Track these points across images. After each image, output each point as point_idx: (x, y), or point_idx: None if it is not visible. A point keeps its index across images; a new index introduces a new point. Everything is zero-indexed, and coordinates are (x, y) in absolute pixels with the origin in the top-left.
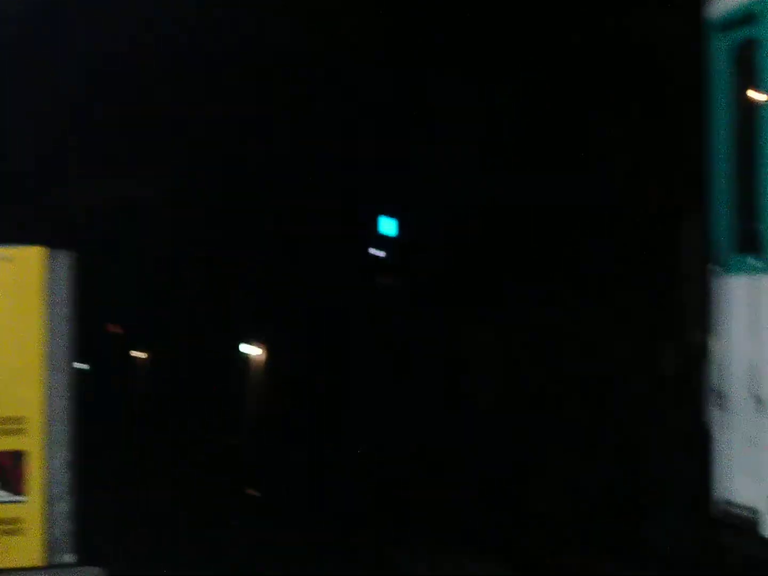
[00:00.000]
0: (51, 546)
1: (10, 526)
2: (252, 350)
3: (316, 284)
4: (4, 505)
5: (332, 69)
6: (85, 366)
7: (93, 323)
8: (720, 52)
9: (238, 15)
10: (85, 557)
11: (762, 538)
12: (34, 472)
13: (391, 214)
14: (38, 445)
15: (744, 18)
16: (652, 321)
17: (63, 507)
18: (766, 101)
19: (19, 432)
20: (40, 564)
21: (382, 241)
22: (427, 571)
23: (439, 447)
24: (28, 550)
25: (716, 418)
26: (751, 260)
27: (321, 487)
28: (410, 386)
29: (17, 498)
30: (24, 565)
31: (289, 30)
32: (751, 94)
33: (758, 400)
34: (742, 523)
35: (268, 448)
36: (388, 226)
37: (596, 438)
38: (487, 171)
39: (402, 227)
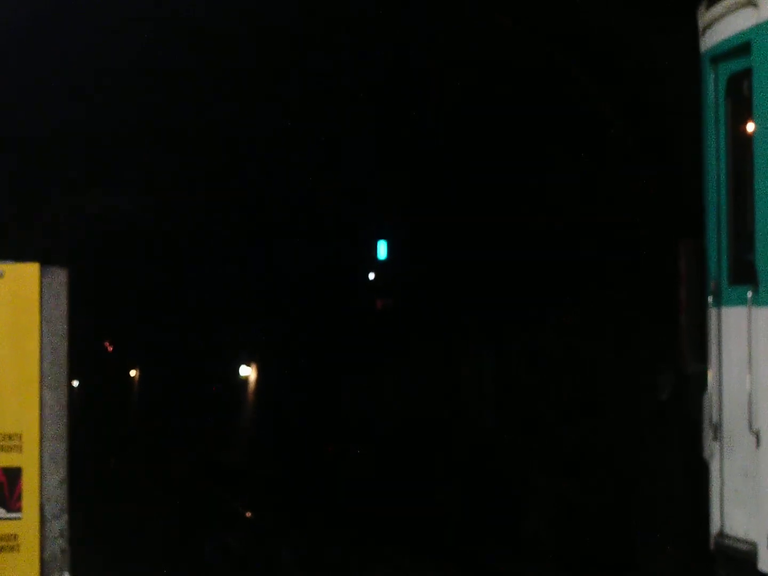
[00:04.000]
0: (47, 563)
1: (6, 543)
2: (247, 371)
3: (312, 304)
4: None
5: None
6: (79, 383)
7: (88, 340)
8: (714, 82)
9: (231, 44)
10: (81, 574)
11: (759, 573)
12: (30, 489)
13: (381, 236)
14: (34, 462)
15: (737, 48)
16: (650, 350)
17: (58, 524)
18: (758, 132)
19: (15, 449)
20: None
21: (373, 264)
22: None
23: (432, 465)
24: (24, 567)
25: (713, 450)
26: (745, 291)
27: (313, 505)
28: (404, 405)
29: (13, 515)
30: None
31: (281, 52)
32: (745, 124)
33: (755, 433)
34: (739, 557)
35: (263, 468)
36: (378, 248)
37: (592, 469)
38: (481, 193)
39: (391, 250)
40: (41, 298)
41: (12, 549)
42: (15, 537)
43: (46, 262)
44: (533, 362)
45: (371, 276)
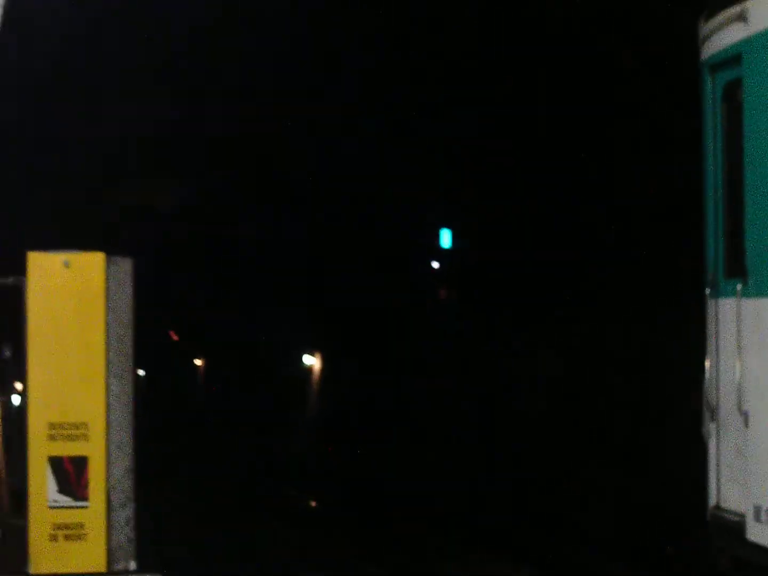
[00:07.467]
0: (113, 552)
1: (73, 532)
2: (312, 360)
3: (375, 295)
4: (67, 510)
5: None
6: (144, 372)
7: (153, 330)
8: (711, 89)
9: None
10: (147, 563)
11: (748, 542)
12: (96, 478)
13: (446, 224)
14: (100, 451)
15: (731, 59)
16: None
17: (125, 513)
18: (748, 136)
19: (81, 438)
20: (102, 570)
21: (438, 253)
22: (458, 572)
23: (483, 454)
24: (91, 555)
25: (710, 430)
26: (737, 284)
27: (372, 493)
28: (461, 396)
29: (79, 503)
30: (86, 570)
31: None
32: (738, 129)
33: (744, 414)
34: (731, 527)
35: (327, 457)
36: (443, 237)
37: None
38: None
39: (457, 238)
40: (107, 287)
41: (79, 537)
42: (82, 525)
43: (113, 252)
44: (590, 357)
45: (435, 265)
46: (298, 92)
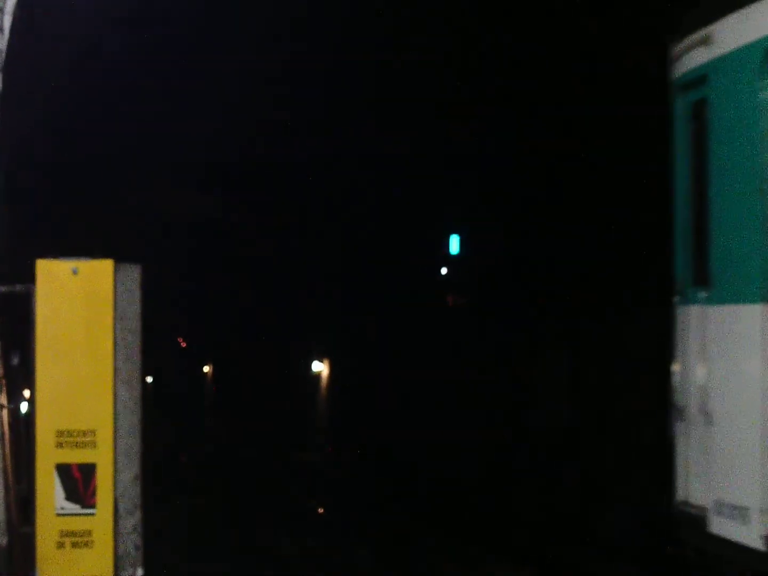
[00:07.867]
0: (120, 559)
1: (80, 539)
2: (321, 367)
3: (385, 302)
4: (74, 518)
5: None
6: (153, 379)
7: (161, 337)
8: (681, 107)
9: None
10: (154, 571)
11: (709, 535)
12: (104, 485)
13: (453, 230)
14: (108, 458)
15: (698, 79)
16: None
17: (132, 521)
18: (712, 153)
19: (89, 445)
20: None
21: (446, 260)
22: (458, 572)
23: (501, 466)
24: (98, 563)
25: (678, 429)
26: (701, 292)
27: (381, 501)
28: (474, 405)
29: (87, 511)
30: None
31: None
32: (705, 146)
33: (706, 415)
34: (695, 521)
35: (336, 464)
36: (452, 243)
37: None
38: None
39: (464, 244)
40: (115, 294)
41: (86, 545)
42: (89, 533)
43: (120, 259)
44: (609, 361)
45: (443, 271)
46: (307, 100)
